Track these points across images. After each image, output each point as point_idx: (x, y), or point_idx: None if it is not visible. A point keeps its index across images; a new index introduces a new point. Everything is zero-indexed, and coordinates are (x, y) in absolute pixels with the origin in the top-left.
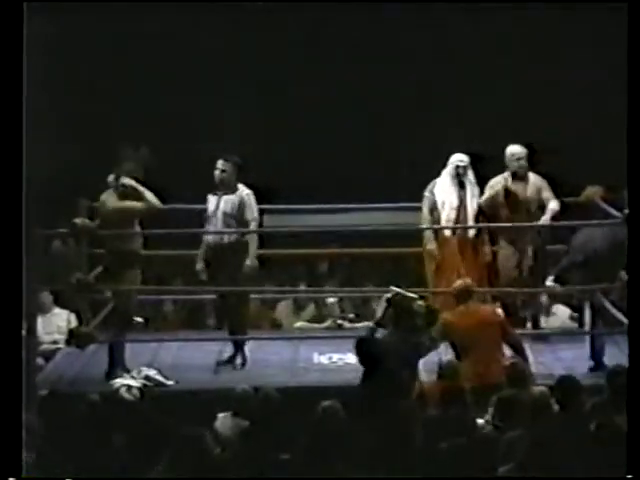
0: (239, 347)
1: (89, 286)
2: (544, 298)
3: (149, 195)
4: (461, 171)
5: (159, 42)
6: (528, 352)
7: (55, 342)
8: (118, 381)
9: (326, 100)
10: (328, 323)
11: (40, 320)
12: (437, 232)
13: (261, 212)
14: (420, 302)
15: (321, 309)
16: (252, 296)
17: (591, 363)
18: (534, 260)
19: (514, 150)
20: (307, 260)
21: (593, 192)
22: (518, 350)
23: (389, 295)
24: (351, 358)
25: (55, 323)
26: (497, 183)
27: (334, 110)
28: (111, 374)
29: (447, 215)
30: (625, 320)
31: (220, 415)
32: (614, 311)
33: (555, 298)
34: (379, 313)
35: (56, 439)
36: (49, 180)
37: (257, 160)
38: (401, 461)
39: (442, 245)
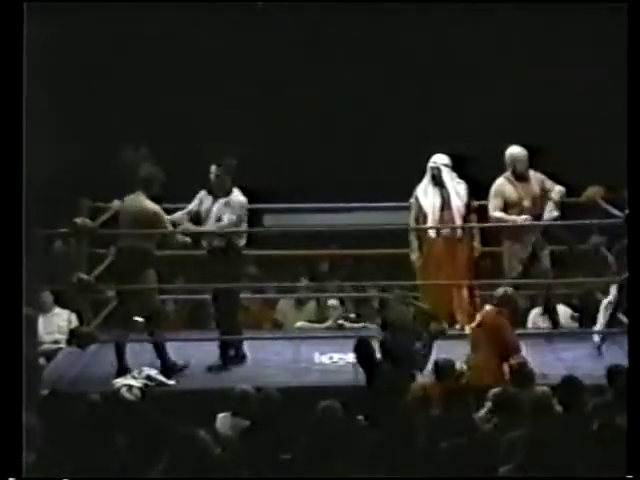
0: (227, 349)
1: (90, 286)
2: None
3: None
4: (436, 172)
5: (159, 42)
6: (528, 352)
7: (56, 342)
8: (119, 381)
9: (326, 100)
10: (329, 323)
11: (41, 320)
12: (422, 237)
13: (261, 212)
14: (420, 304)
15: (322, 309)
16: (252, 296)
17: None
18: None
19: (514, 151)
20: (307, 260)
21: (594, 192)
22: (517, 351)
23: (391, 296)
24: (352, 358)
25: (56, 323)
26: (501, 184)
27: (334, 110)
28: (121, 373)
29: (432, 216)
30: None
31: (220, 415)
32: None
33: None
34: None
35: (56, 439)
36: (49, 180)
37: (257, 160)
38: (401, 461)
39: (430, 246)
